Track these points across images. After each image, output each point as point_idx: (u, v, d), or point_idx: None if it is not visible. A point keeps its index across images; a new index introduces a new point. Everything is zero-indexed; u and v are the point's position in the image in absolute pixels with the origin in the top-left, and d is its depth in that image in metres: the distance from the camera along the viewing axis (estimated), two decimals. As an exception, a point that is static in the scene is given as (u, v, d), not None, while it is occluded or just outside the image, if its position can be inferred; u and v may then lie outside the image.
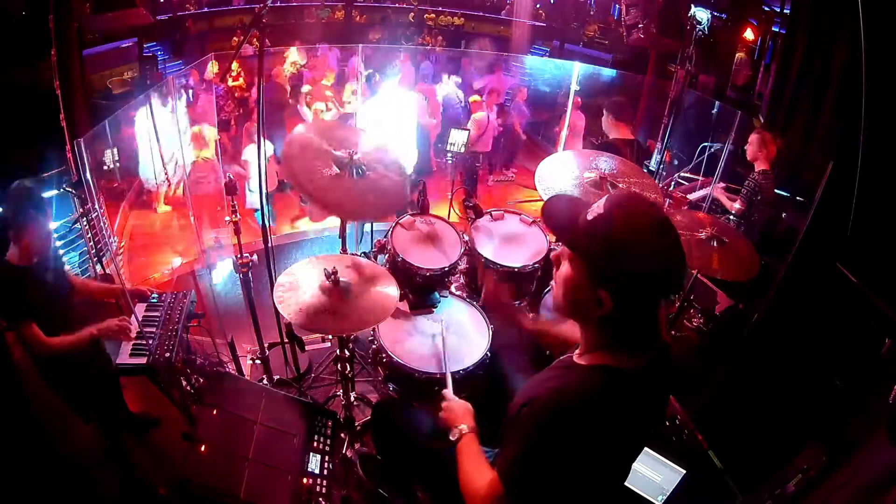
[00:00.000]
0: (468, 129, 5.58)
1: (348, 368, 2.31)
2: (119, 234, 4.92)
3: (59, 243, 3.11)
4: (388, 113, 4.43)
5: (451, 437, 1.43)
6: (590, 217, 1.04)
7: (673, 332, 2.74)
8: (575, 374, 1.12)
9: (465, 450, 1.38)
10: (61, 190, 3.17)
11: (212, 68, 6.79)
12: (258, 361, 2.86)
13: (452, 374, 2.06)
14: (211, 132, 5.49)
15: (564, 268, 1.12)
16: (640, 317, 1.07)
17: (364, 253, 2.94)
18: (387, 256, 2.54)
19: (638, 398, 1.10)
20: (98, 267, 3.50)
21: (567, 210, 1.12)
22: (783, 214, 3.81)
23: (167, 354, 2.29)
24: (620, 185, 2.31)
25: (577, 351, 1.20)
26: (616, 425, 1.08)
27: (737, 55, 6.03)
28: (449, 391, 1.70)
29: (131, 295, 2.51)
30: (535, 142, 8.35)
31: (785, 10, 5.06)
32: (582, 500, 1.19)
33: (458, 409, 1.52)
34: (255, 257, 2.54)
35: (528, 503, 1.14)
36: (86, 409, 2.37)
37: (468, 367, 2.13)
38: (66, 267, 2.45)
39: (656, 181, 3.95)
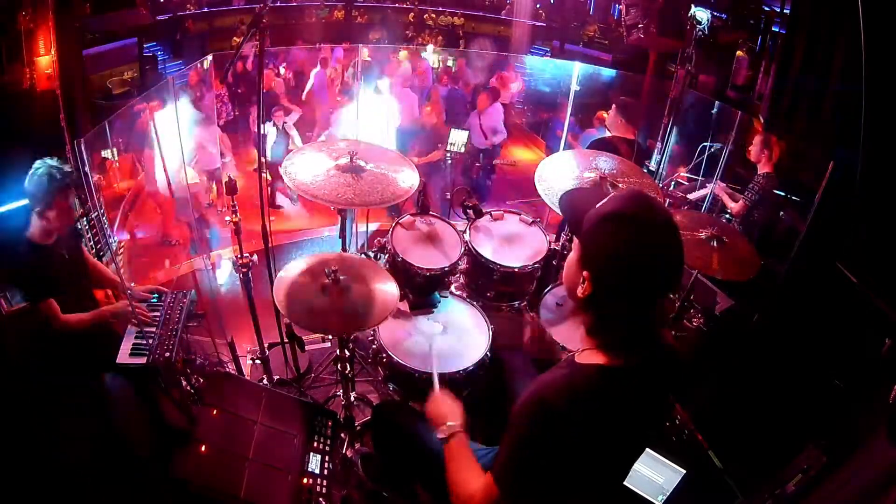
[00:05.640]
0: (468, 129, 5.59)
1: (348, 368, 2.30)
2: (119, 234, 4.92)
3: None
4: (368, 113, 4.42)
5: (438, 436, 1.42)
6: (597, 206, 1.09)
7: (673, 332, 2.74)
8: (567, 372, 1.14)
9: (454, 451, 1.37)
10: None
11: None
12: (258, 361, 2.85)
13: (453, 373, 2.07)
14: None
15: (573, 251, 1.17)
16: (628, 312, 1.07)
17: (364, 252, 2.94)
18: (387, 256, 2.54)
19: (629, 397, 1.10)
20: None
21: (586, 199, 1.16)
22: (781, 214, 3.82)
23: (167, 354, 2.29)
24: (620, 185, 2.32)
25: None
26: (605, 424, 1.08)
27: (737, 55, 6.03)
28: (436, 388, 1.67)
29: (135, 297, 2.53)
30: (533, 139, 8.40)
31: (785, 10, 5.05)
32: (578, 499, 1.19)
33: (444, 407, 1.49)
34: (255, 257, 2.54)
35: (523, 503, 1.14)
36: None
37: (468, 367, 2.13)
38: (83, 247, 2.53)
39: (656, 181, 3.96)
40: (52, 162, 2.17)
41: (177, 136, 3.75)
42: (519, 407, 1.12)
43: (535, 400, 1.10)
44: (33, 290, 2.23)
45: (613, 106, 3.74)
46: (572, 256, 1.17)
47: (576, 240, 1.17)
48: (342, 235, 2.63)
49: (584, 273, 1.09)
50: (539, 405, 1.09)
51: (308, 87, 7.38)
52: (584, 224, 1.10)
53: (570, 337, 2.25)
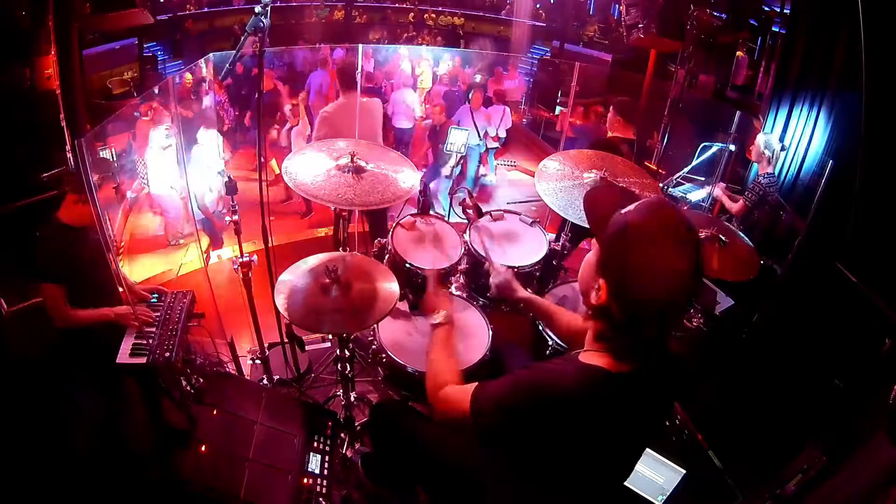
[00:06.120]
0: (467, 130, 5.58)
1: (348, 368, 2.30)
2: (119, 235, 4.92)
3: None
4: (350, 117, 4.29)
5: (431, 321, 1.59)
6: (622, 211, 1.06)
7: (673, 332, 2.74)
8: (566, 367, 1.14)
9: (440, 338, 1.54)
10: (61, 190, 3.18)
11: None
12: (258, 361, 2.85)
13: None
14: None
15: (592, 251, 1.16)
16: (641, 326, 1.06)
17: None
18: (387, 257, 2.54)
19: (631, 404, 1.10)
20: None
21: (610, 200, 1.15)
22: (781, 214, 3.82)
23: (167, 354, 2.29)
24: (620, 185, 2.31)
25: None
26: (603, 428, 1.09)
27: (737, 55, 6.03)
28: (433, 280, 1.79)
29: (134, 293, 2.55)
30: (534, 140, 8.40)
31: (785, 10, 5.05)
32: (572, 498, 1.19)
33: (440, 299, 1.64)
34: (255, 258, 2.54)
35: (485, 436, 1.22)
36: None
37: (468, 368, 2.13)
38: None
39: (656, 181, 3.95)
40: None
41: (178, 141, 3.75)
42: (522, 382, 1.13)
43: (540, 383, 1.11)
44: (50, 266, 2.26)
45: (612, 107, 3.74)
46: (591, 258, 1.14)
47: (595, 241, 1.14)
48: (341, 236, 2.63)
49: (601, 280, 1.06)
50: (542, 390, 1.09)
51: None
52: (608, 228, 1.07)
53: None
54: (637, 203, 1.07)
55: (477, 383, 1.24)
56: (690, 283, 1.02)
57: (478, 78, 7.95)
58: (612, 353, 1.11)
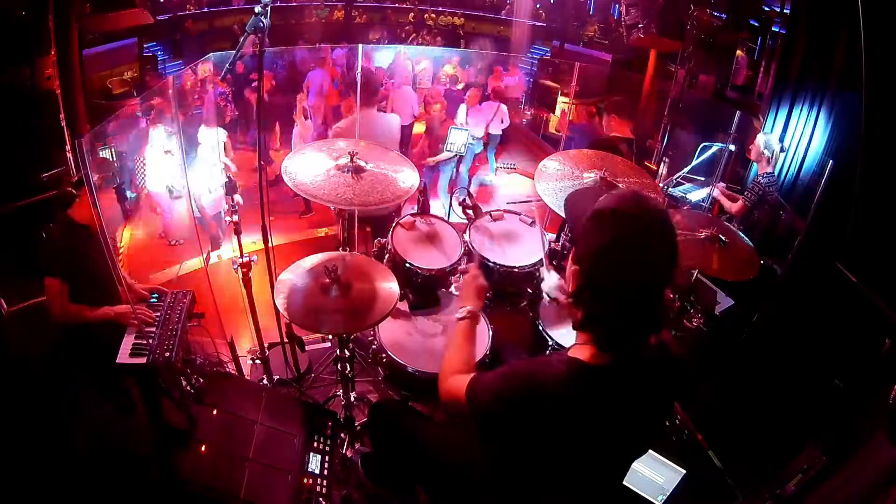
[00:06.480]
0: (468, 130, 5.58)
1: (348, 368, 2.30)
2: (119, 234, 4.93)
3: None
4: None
5: (456, 316, 1.58)
6: (596, 205, 1.10)
7: (673, 332, 2.74)
8: (558, 360, 1.16)
9: (460, 331, 1.54)
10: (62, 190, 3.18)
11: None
12: (258, 361, 2.85)
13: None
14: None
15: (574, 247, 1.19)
16: (612, 308, 1.07)
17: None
18: (387, 256, 2.54)
19: (601, 396, 1.11)
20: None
21: (588, 198, 1.18)
22: (781, 214, 3.82)
23: (167, 354, 2.29)
24: (620, 185, 2.31)
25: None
26: (575, 417, 1.10)
27: (737, 55, 6.03)
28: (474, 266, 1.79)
29: (134, 293, 2.57)
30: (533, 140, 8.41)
31: (785, 10, 5.05)
32: (563, 494, 1.20)
33: (475, 287, 1.65)
34: (255, 257, 2.54)
35: (478, 424, 1.23)
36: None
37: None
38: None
39: (656, 181, 3.95)
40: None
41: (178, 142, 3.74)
42: (517, 373, 1.16)
43: (532, 374, 1.14)
44: (53, 262, 2.29)
45: (604, 108, 3.74)
46: (573, 252, 1.18)
47: None
48: (342, 236, 2.63)
49: (574, 268, 1.12)
50: (533, 381, 1.12)
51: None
52: (581, 219, 1.12)
53: (568, 335, 2.25)
54: (608, 193, 1.11)
55: (476, 373, 1.27)
56: (653, 258, 1.04)
57: (477, 77, 7.96)
58: (594, 344, 1.12)
